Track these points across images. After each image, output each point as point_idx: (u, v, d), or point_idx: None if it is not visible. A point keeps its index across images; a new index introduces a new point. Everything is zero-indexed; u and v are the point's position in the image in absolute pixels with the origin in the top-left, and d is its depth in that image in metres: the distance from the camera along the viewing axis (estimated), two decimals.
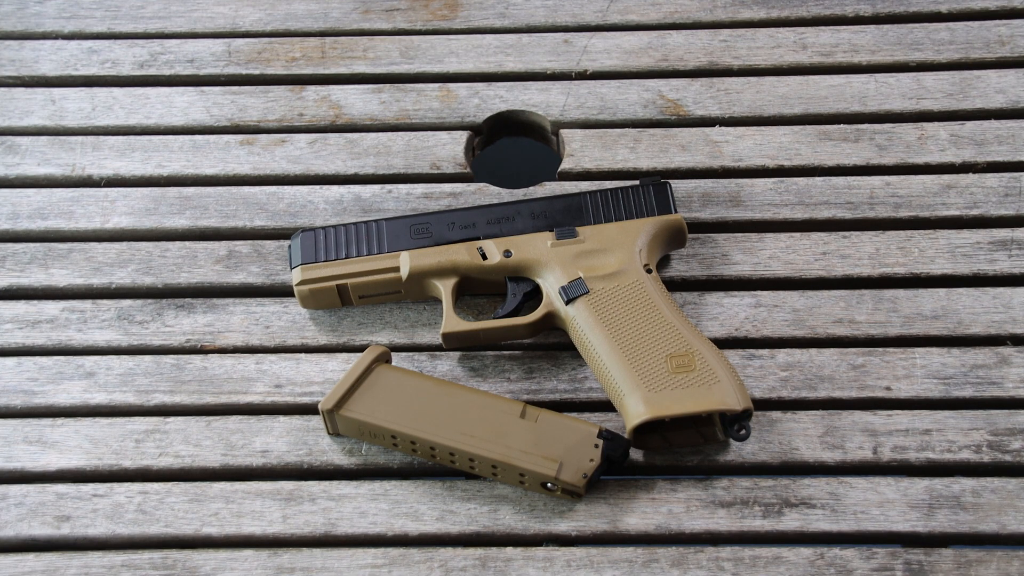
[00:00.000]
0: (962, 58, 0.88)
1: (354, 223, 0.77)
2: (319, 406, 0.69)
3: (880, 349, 0.73)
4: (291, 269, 0.76)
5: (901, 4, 0.91)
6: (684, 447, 0.69)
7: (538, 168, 0.87)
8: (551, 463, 0.66)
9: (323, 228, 0.76)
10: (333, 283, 0.75)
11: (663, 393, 0.67)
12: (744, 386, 0.68)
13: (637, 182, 0.78)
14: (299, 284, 0.75)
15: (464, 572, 0.66)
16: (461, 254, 0.75)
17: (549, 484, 0.66)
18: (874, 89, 0.86)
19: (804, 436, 0.70)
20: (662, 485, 0.68)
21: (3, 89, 0.90)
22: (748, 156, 0.83)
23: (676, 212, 0.76)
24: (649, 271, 0.73)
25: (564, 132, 0.85)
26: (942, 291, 0.76)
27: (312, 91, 0.89)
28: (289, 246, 0.77)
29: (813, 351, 0.74)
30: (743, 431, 0.67)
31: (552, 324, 0.74)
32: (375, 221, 0.76)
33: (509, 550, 0.66)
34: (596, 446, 0.67)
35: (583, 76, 0.89)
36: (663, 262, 0.78)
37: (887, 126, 0.84)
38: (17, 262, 0.80)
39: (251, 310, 0.77)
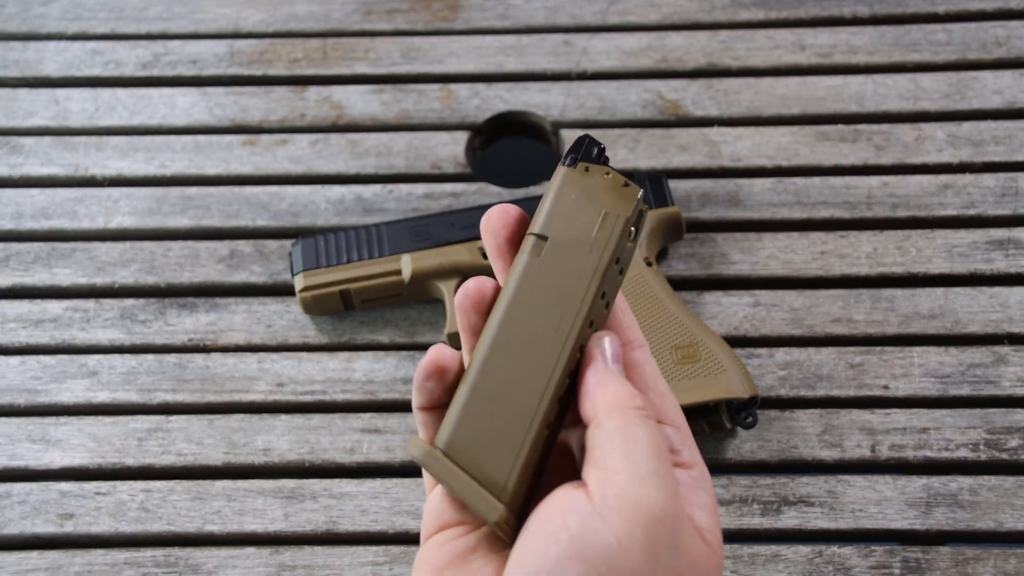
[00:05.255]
0: (959, 59, 0.88)
1: (354, 228, 0.77)
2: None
3: (878, 348, 0.74)
4: (292, 276, 0.76)
5: (898, 5, 0.92)
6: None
7: (538, 168, 0.87)
8: None
9: (323, 234, 0.77)
10: (336, 288, 0.75)
11: (669, 384, 0.67)
12: (749, 373, 0.68)
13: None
14: (302, 291, 0.75)
15: None
16: (462, 254, 0.75)
17: None
18: (872, 90, 0.86)
19: (802, 434, 0.70)
20: None
21: (7, 90, 0.90)
22: (747, 156, 0.83)
23: (672, 204, 0.76)
24: (649, 264, 0.73)
25: (564, 132, 0.86)
26: (939, 290, 0.76)
27: (314, 92, 0.89)
28: (290, 253, 0.77)
29: (811, 350, 0.74)
30: (750, 418, 0.67)
31: None
32: (375, 225, 0.77)
33: None
34: None
35: (583, 77, 0.89)
36: (662, 262, 0.79)
37: (885, 126, 0.84)
38: (21, 262, 0.80)
39: (253, 309, 0.78)
